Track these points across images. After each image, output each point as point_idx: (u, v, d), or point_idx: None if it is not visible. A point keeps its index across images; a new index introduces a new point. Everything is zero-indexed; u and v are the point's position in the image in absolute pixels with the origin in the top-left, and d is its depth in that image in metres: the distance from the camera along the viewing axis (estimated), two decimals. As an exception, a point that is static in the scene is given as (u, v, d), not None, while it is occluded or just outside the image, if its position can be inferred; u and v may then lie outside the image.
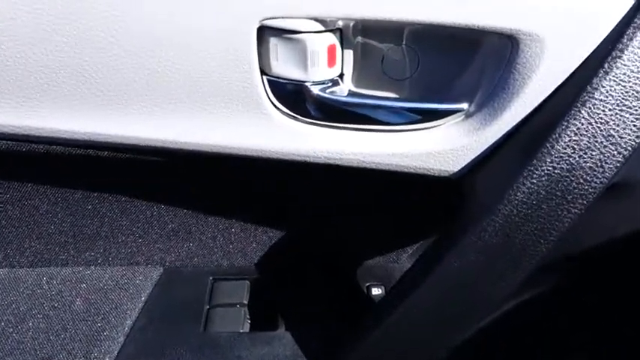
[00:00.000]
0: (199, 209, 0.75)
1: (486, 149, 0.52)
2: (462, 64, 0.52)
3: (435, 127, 0.53)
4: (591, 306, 0.71)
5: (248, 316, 0.73)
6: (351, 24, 0.50)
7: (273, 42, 0.49)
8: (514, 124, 0.50)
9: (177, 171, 0.66)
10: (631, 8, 0.44)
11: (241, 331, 0.71)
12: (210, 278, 0.79)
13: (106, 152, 0.58)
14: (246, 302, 0.75)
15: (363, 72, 0.54)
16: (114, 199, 0.72)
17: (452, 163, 0.54)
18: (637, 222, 0.58)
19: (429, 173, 0.55)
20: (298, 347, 0.68)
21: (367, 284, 0.78)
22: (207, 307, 0.74)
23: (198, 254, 0.81)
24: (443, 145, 0.53)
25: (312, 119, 0.53)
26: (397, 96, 0.54)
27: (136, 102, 0.50)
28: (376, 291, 0.77)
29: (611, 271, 0.66)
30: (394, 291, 0.62)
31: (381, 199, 0.73)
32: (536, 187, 0.48)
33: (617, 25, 0.44)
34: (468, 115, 0.52)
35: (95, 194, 0.71)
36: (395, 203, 0.73)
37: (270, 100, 0.51)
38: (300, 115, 0.53)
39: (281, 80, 0.51)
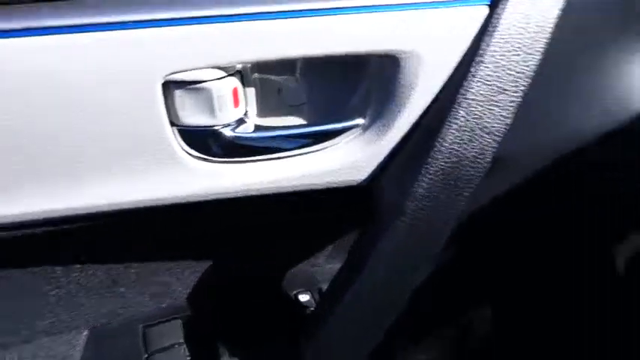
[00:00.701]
0: (119, 262, 0.74)
1: (387, 156, 0.58)
2: (352, 84, 0.57)
3: (336, 144, 0.58)
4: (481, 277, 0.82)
5: (188, 354, 0.74)
6: (249, 65, 0.53)
7: (179, 94, 0.50)
8: (406, 130, 0.57)
9: (92, 232, 0.64)
10: (485, 20, 0.52)
11: (185, 370, 0.72)
12: (141, 326, 0.78)
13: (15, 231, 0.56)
14: (182, 341, 0.75)
15: (265, 105, 0.57)
16: (25, 272, 0.69)
17: (357, 174, 0.60)
18: (508, 192, 0.68)
19: (338, 186, 0.60)
20: None
21: (294, 292, 0.82)
22: (145, 355, 0.73)
23: (122, 306, 0.79)
24: (346, 159, 0.58)
25: (226, 158, 0.56)
26: (299, 122, 0.58)
27: (50, 174, 0.49)
28: (304, 297, 0.81)
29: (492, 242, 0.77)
30: (328, 296, 0.68)
31: (297, 211, 0.77)
32: (433, 181, 0.56)
33: (476, 35, 0.52)
34: (364, 129, 0.58)
35: (3, 273, 0.67)
36: (311, 212, 0.78)
37: (184, 149, 0.53)
38: (214, 157, 0.55)
39: (191, 128, 0.53)
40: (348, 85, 0.57)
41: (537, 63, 0.54)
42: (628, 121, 0.61)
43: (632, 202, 0.72)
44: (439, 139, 0.54)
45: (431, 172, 0.55)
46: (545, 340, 0.80)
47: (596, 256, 0.78)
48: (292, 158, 0.58)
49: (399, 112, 0.55)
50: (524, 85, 0.54)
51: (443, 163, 0.55)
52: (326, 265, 0.88)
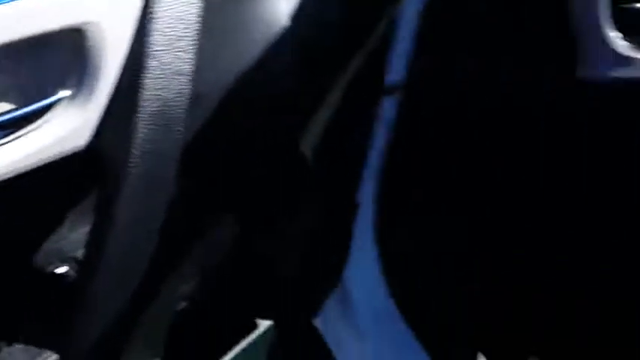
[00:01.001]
0: None
1: (101, 117, 0.64)
2: (50, 60, 0.61)
3: (52, 118, 0.62)
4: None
5: None
6: None
7: None
8: (111, 90, 0.63)
9: None
10: None
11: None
12: None
13: None
14: None
15: None
16: None
17: (77, 140, 0.64)
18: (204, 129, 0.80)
19: (62, 156, 0.65)
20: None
21: (49, 269, 0.82)
22: None
23: None
24: (62, 130, 0.62)
25: None
26: (6, 109, 0.60)
27: None
28: (60, 269, 0.82)
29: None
30: (84, 264, 0.73)
31: (25, 192, 0.76)
32: (147, 126, 0.65)
33: None
34: (72, 98, 0.62)
35: None
36: (40, 190, 0.78)
37: None
38: None
39: None
40: (46, 63, 0.61)
41: (200, 9, 0.66)
42: (271, 56, 0.77)
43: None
44: (141, 90, 0.63)
45: (143, 118, 0.64)
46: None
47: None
48: (8, 145, 0.60)
49: (98, 77, 0.62)
50: (195, 30, 0.66)
51: (151, 109, 0.65)
52: (71, 233, 0.90)
